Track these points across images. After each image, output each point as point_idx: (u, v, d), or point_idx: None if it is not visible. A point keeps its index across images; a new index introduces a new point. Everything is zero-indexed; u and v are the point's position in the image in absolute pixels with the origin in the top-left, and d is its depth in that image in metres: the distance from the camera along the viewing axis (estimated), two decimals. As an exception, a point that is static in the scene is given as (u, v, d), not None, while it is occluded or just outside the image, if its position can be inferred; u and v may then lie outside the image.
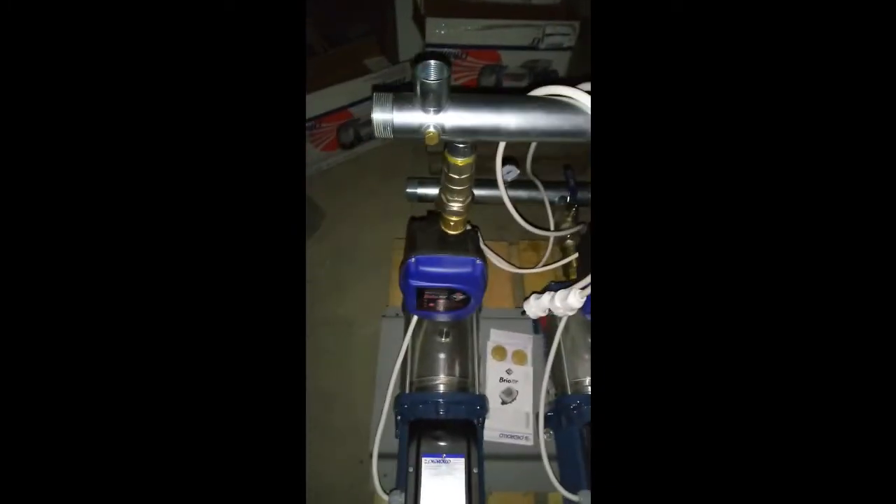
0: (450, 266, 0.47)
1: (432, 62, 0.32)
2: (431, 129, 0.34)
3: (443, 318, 0.58)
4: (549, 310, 0.52)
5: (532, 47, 1.09)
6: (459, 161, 0.40)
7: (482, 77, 1.12)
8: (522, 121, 0.35)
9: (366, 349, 0.74)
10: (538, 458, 0.61)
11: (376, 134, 0.34)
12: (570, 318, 0.63)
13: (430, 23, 1.03)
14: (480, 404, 0.57)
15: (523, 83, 1.15)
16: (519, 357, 0.73)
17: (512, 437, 0.67)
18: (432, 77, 0.32)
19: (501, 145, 0.47)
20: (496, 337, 0.75)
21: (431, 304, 0.52)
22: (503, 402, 0.69)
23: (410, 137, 0.35)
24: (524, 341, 0.75)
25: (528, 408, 0.68)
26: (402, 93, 0.34)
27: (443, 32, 1.04)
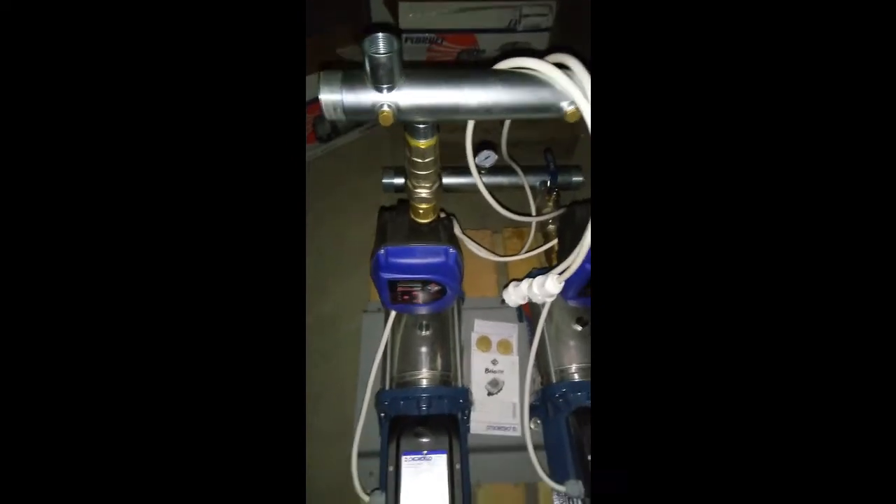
0: (422, 256, 0.45)
1: (380, 34, 0.29)
2: (385, 109, 0.32)
3: (421, 310, 0.56)
4: (529, 297, 0.50)
5: (510, 29, 1.06)
6: (421, 143, 0.37)
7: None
8: (485, 96, 0.33)
9: (351, 346, 0.72)
10: (519, 448, 0.60)
11: (326, 116, 0.32)
12: (553, 304, 0.62)
13: (403, 7, 1.00)
14: (463, 397, 0.56)
15: (502, 67, 1.12)
16: (504, 347, 0.71)
17: (500, 428, 0.65)
18: (382, 50, 0.29)
19: (470, 125, 0.44)
20: (480, 327, 0.73)
21: (406, 297, 0.50)
22: (489, 394, 0.67)
23: (363, 118, 0.33)
24: (509, 330, 0.73)
25: (515, 398, 0.67)
26: (352, 70, 0.32)
27: (416, 16, 1.01)
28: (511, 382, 0.68)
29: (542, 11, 1.04)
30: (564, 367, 0.60)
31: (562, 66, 0.32)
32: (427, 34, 1.04)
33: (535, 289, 0.46)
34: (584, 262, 0.46)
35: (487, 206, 0.59)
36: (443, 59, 1.09)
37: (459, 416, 0.54)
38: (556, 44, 1.11)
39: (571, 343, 0.61)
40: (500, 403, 0.67)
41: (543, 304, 0.59)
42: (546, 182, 0.72)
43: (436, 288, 0.48)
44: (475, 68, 0.34)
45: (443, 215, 0.55)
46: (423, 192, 0.42)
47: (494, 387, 0.68)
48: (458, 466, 0.47)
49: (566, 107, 0.33)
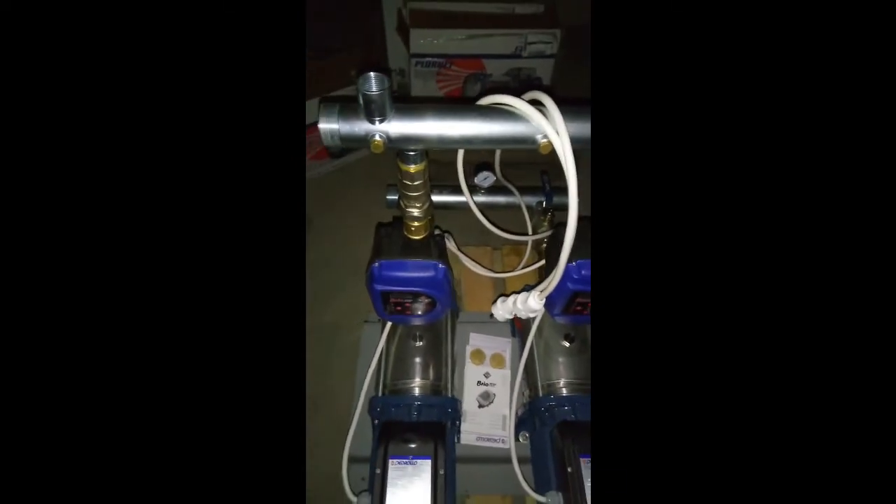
0: (412, 270, 0.48)
1: (372, 74, 0.33)
2: (377, 138, 0.36)
3: (413, 322, 0.59)
4: (514, 313, 0.53)
5: (515, 55, 1.10)
6: (411, 168, 0.41)
7: (467, 85, 1.14)
8: (466, 129, 0.36)
9: (352, 355, 0.75)
10: (509, 461, 0.61)
11: (324, 142, 0.36)
12: (542, 320, 0.64)
13: (414, 34, 1.05)
14: (452, 407, 0.58)
15: (508, 90, 1.16)
16: (497, 360, 0.73)
17: (489, 440, 0.67)
18: (374, 89, 0.33)
19: (460, 153, 0.48)
20: (475, 341, 0.76)
21: (399, 308, 0.53)
22: (480, 406, 0.70)
23: (357, 146, 0.36)
24: (503, 344, 0.76)
25: (506, 410, 0.69)
26: (349, 103, 0.36)
27: (426, 42, 1.07)
28: (502, 395, 0.70)
29: (546, 39, 1.08)
30: (552, 381, 0.62)
31: (536, 103, 0.36)
32: (437, 59, 1.09)
33: (519, 304, 0.48)
34: (565, 280, 0.49)
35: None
36: (451, 82, 1.14)
37: (449, 424, 0.57)
38: (560, 70, 1.15)
39: (559, 359, 0.63)
40: (490, 416, 0.69)
41: (533, 320, 0.62)
42: (542, 202, 0.75)
43: (426, 300, 0.51)
44: (460, 104, 0.37)
45: (438, 232, 0.58)
46: (415, 211, 0.46)
47: (486, 399, 0.70)
48: (441, 472, 0.49)
49: (540, 139, 0.36)
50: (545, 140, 0.36)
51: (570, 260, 0.48)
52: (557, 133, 0.34)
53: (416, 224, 0.47)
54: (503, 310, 0.53)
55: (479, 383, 0.71)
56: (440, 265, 0.48)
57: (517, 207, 0.75)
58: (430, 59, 1.09)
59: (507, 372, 0.72)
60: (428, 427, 0.53)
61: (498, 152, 0.63)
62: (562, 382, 0.62)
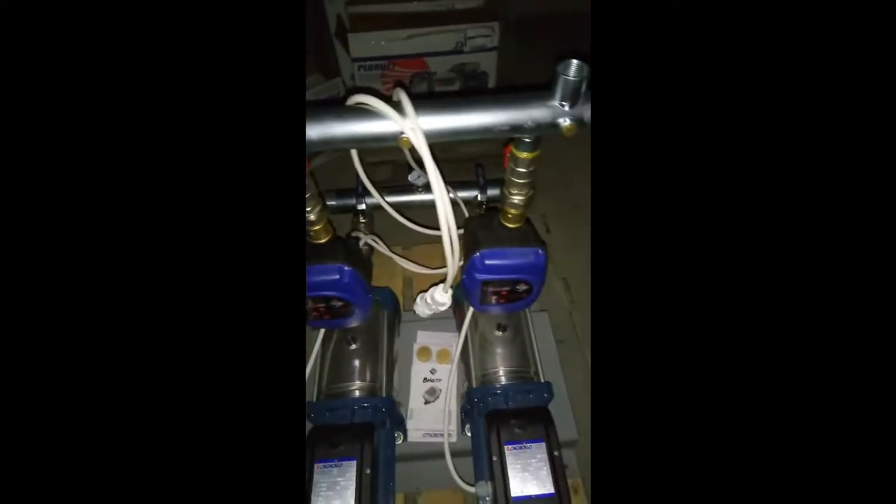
0: (315, 275, 0.49)
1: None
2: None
3: (341, 325, 0.59)
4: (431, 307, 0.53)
5: (457, 51, 1.11)
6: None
7: (413, 85, 1.14)
8: (330, 130, 0.37)
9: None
10: (462, 453, 0.62)
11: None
12: (476, 312, 0.64)
13: (353, 38, 1.06)
14: (386, 406, 0.58)
15: (455, 87, 1.16)
16: (443, 356, 0.74)
17: (435, 435, 0.68)
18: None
19: (354, 153, 0.49)
20: (422, 338, 0.76)
21: (316, 314, 0.53)
22: (426, 402, 0.70)
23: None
24: (450, 340, 0.76)
25: (451, 405, 0.69)
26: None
27: (366, 45, 1.07)
28: (448, 390, 0.71)
29: (485, 32, 1.08)
30: (487, 371, 0.62)
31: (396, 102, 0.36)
32: (378, 61, 1.10)
33: (428, 299, 0.49)
34: (471, 272, 0.50)
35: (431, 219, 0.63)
36: (396, 83, 1.15)
37: (381, 424, 0.57)
38: (505, 61, 1.15)
39: (495, 349, 0.64)
40: (436, 411, 0.69)
41: (467, 312, 0.62)
42: (477, 196, 0.76)
43: (339, 304, 0.52)
44: (328, 104, 0.38)
45: (355, 235, 0.59)
46: (310, 216, 0.46)
47: (431, 395, 0.70)
48: (368, 472, 0.49)
49: (402, 136, 0.36)
50: (405, 136, 0.36)
51: (474, 251, 0.49)
52: (413, 130, 0.35)
53: (314, 228, 0.48)
54: (422, 306, 0.53)
55: (426, 380, 0.72)
56: (345, 268, 0.49)
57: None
58: (371, 62, 1.09)
59: (453, 367, 0.73)
60: (355, 428, 0.53)
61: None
62: (500, 371, 0.62)
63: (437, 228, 0.71)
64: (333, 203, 0.71)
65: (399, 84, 1.13)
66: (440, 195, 0.37)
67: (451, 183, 0.76)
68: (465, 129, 0.36)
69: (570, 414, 0.67)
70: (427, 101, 0.36)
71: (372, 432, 0.53)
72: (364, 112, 0.37)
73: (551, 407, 0.60)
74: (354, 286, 0.50)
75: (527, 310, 0.70)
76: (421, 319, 0.78)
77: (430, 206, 0.74)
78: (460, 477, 0.57)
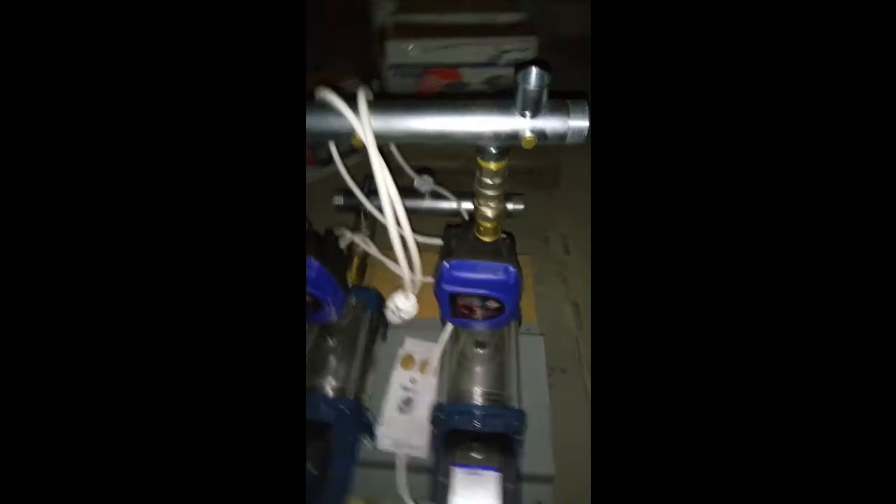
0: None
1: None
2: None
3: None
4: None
5: (492, 63, 1.10)
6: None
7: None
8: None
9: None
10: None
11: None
12: (459, 329, 0.63)
13: (391, 45, 1.08)
14: (350, 408, 0.58)
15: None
16: (425, 366, 0.72)
17: (403, 445, 0.66)
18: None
19: (334, 148, 0.49)
20: (409, 345, 0.75)
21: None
22: (401, 411, 0.69)
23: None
24: (436, 351, 0.74)
25: (423, 417, 0.67)
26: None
27: (403, 53, 1.09)
28: (424, 402, 0.69)
29: (522, 47, 1.07)
30: (460, 388, 0.60)
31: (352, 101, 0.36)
32: (413, 69, 1.12)
33: (392, 307, 0.48)
34: (440, 282, 0.48)
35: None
36: (430, 91, 1.16)
37: (349, 426, 0.56)
38: (542, 76, 1.13)
39: (472, 367, 0.62)
40: (407, 422, 0.68)
41: (445, 325, 0.61)
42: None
43: (308, 298, 0.52)
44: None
45: (346, 232, 0.59)
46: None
47: (407, 405, 0.69)
48: (315, 473, 0.49)
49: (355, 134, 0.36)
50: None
51: (443, 260, 0.47)
52: (363, 129, 0.35)
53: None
54: (388, 312, 0.52)
55: (404, 388, 0.70)
56: (313, 262, 0.49)
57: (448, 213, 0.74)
58: (406, 69, 1.11)
59: (433, 379, 0.71)
60: (309, 426, 0.53)
61: (397, 154, 0.64)
62: (473, 390, 0.60)
63: (431, 235, 0.71)
64: (340, 202, 0.73)
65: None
66: (387, 197, 0.36)
67: (460, 193, 0.76)
68: (420, 133, 0.35)
69: (549, 447, 0.63)
70: (385, 101, 0.36)
71: (327, 432, 0.53)
72: (327, 108, 0.37)
73: (528, 438, 0.56)
74: (321, 282, 0.50)
75: (514, 331, 0.67)
76: (412, 326, 0.78)
77: (437, 213, 0.75)
78: (410, 494, 0.55)
